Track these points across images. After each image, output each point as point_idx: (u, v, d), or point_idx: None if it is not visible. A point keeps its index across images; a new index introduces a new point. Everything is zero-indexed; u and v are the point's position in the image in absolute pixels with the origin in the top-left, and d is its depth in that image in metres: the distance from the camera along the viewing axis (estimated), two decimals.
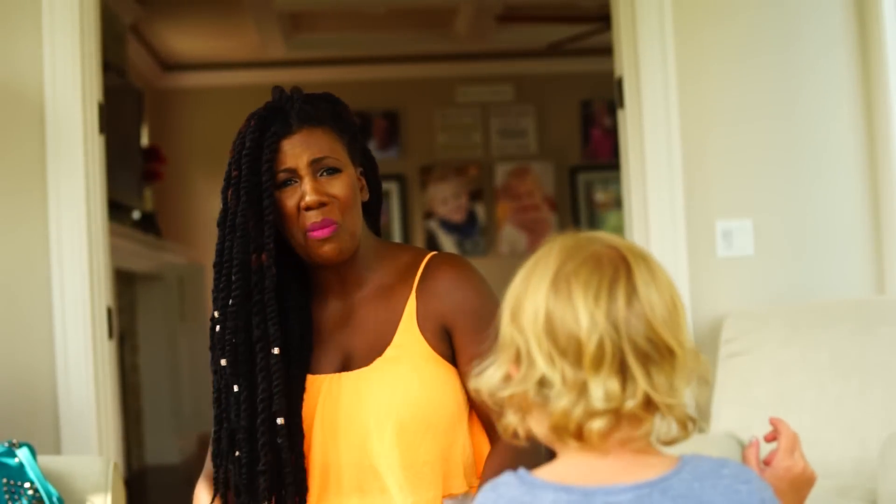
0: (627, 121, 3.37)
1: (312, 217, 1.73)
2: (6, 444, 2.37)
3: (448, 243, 7.63)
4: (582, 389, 1.06)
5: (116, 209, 5.05)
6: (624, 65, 3.37)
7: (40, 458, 2.44)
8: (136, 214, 6.07)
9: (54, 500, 2.33)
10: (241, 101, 7.45)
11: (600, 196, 7.67)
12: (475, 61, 7.50)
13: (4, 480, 2.29)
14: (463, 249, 7.55)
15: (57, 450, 3.00)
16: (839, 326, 2.92)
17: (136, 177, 6.00)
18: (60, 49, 3.07)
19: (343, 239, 1.74)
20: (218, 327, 1.75)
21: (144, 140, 6.69)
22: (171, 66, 7.43)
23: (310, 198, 1.72)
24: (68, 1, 3.07)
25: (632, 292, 1.09)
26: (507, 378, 1.12)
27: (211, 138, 7.34)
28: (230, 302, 1.72)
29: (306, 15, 6.65)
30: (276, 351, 1.72)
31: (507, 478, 1.12)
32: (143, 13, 6.17)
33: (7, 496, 2.26)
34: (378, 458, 1.73)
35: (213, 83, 7.46)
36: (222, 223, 1.75)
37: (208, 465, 1.88)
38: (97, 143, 3.17)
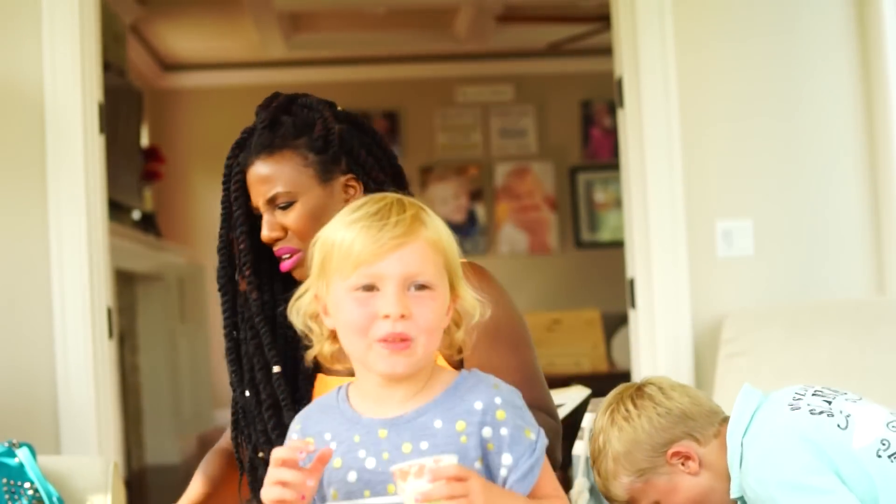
0: (627, 121, 3.37)
1: (276, 248, 1.83)
2: (6, 444, 2.37)
3: None
4: None
5: (116, 209, 5.04)
6: (624, 65, 3.37)
7: (40, 458, 2.44)
8: (135, 214, 6.07)
9: (54, 500, 2.33)
10: (240, 101, 7.45)
11: (600, 196, 7.67)
12: (475, 61, 7.49)
13: (4, 480, 2.29)
14: (463, 249, 7.47)
15: (57, 450, 3.00)
16: (839, 327, 2.92)
17: (135, 177, 5.99)
18: (60, 49, 3.07)
19: (300, 260, 1.81)
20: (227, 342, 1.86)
21: (144, 140, 6.69)
22: (171, 66, 7.43)
23: (263, 234, 1.82)
24: (68, 1, 3.07)
25: None
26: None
27: (211, 138, 7.33)
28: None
29: (306, 15, 6.66)
30: (276, 369, 1.79)
31: None
32: (143, 13, 6.17)
33: (7, 496, 2.26)
34: None
35: (213, 83, 7.46)
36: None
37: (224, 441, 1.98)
38: (97, 142, 3.17)
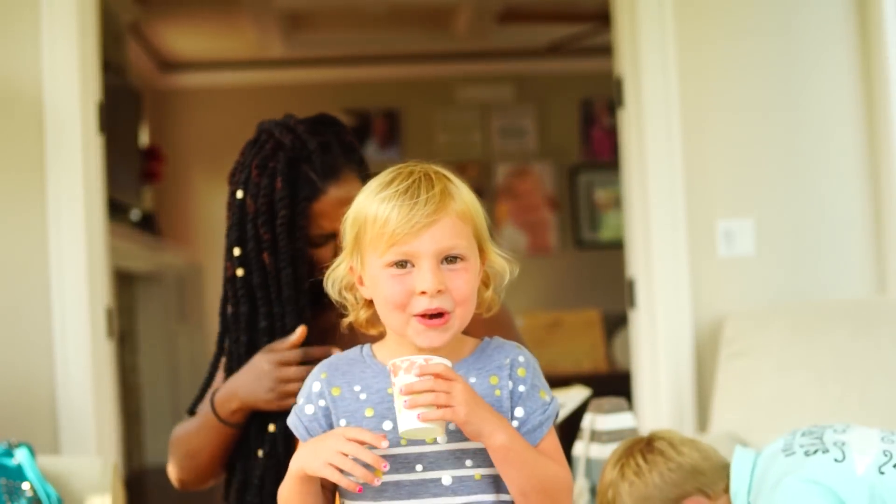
0: (627, 120, 3.37)
1: None
2: (5, 445, 2.36)
3: None
4: None
5: (115, 209, 5.04)
6: (624, 64, 3.37)
7: (39, 458, 2.43)
8: (135, 214, 6.06)
9: (53, 500, 2.32)
10: (240, 100, 7.49)
11: (600, 196, 7.66)
12: (475, 61, 7.49)
13: (3, 481, 2.28)
14: None
15: (56, 450, 2.99)
16: (840, 327, 2.91)
17: (135, 177, 5.99)
18: (59, 49, 3.06)
19: None
20: None
21: (144, 140, 6.68)
22: (171, 65, 7.42)
23: None
24: (67, 0, 3.06)
25: None
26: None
27: (210, 138, 7.33)
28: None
29: (306, 14, 6.65)
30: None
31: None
32: (143, 13, 6.16)
33: (5, 497, 2.26)
34: None
35: (213, 83, 7.45)
36: (252, 285, 1.90)
37: None
38: (96, 142, 3.17)
